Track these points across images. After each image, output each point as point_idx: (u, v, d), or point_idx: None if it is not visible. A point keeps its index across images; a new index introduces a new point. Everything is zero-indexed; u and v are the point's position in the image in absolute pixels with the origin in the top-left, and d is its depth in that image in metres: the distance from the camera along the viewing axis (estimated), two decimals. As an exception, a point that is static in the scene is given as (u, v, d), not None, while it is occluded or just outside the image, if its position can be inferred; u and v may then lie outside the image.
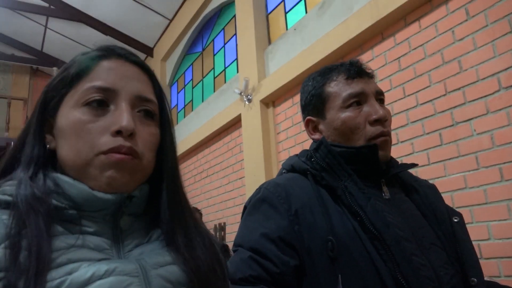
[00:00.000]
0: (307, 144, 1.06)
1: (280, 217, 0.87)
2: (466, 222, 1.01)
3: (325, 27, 3.49)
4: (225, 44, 5.50)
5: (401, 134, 2.70)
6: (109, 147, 0.55)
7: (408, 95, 2.69)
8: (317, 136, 1.02)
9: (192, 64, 6.49)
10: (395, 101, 2.76)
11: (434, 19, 2.58)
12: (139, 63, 0.63)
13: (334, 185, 0.89)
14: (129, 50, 0.63)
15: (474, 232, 2.14)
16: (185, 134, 5.88)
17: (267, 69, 4.31)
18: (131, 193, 0.58)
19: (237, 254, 0.88)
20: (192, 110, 6.19)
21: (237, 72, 4.93)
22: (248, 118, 4.34)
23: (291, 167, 1.00)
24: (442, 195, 1.05)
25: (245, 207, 0.97)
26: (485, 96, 2.24)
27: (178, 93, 6.95)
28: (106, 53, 0.61)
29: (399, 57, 2.78)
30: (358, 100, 0.96)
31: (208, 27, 6.07)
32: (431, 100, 2.53)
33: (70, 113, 0.57)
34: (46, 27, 7.52)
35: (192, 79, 6.44)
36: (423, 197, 0.99)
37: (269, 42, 4.49)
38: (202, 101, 5.89)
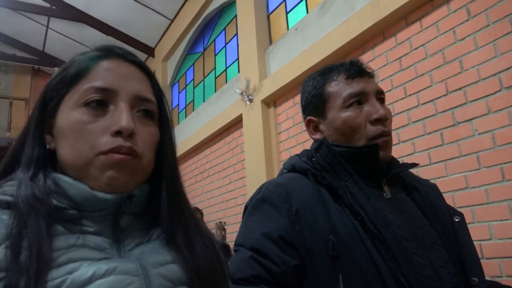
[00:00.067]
0: (308, 144, 1.06)
1: (281, 216, 0.87)
2: (467, 222, 1.00)
3: (326, 27, 3.49)
4: (226, 44, 5.50)
5: (402, 134, 2.70)
6: (109, 148, 0.55)
7: (409, 95, 2.68)
8: (318, 136, 1.02)
9: (193, 64, 6.49)
10: (396, 101, 2.76)
11: (435, 19, 2.57)
12: (137, 62, 0.63)
13: (335, 185, 0.89)
14: (127, 50, 0.63)
15: (475, 232, 2.14)
16: (187, 134, 5.89)
17: (268, 69, 4.31)
18: (131, 192, 0.58)
19: (238, 254, 0.88)
20: (193, 110, 6.19)
21: (238, 72, 4.93)
22: (249, 118, 4.34)
23: (292, 167, 1.00)
24: (443, 195, 1.05)
25: (246, 207, 0.97)
26: (486, 96, 2.24)
27: (179, 93, 6.95)
28: (105, 53, 0.61)
29: (400, 57, 2.78)
30: (358, 99, 0.96)
31: (209, 27, 6.08)
32: (432, 100, 2.53)
33: (69, 114, 0.57)
34: (47, 27, 7.53)
35: (193, 79, 6.45)
36: (424, 197, 0.98)
37: (270, 42, 4.49)
38: (203, 101, 5.89)
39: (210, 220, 4.94)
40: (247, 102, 4.32)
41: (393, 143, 1.02)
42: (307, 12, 3.97)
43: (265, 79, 4.18)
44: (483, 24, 2.29)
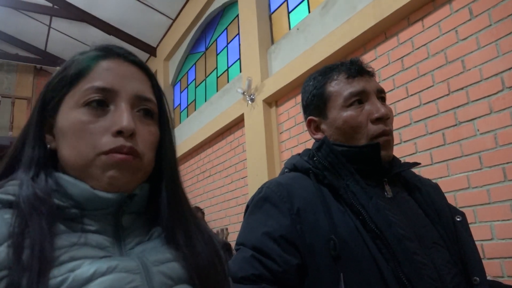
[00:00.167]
0: (310, 144, 1.06)
1: (282, 216, 0.87)
2: (469, 222, 1.00)
3: (328, 26, 3.48)
4: (228, 43, 5.50)
5: (404, 133, 2.69)
6: (110, 148, 0.55)
7: (411, 95, 2.68)
8: (319, 135, 1.02)
9: (195, 63, 6.50)
10: (398, 100, 2.76)
11: (437, 18, 2.57)
12: (137, 62, 0.63)
13: (336, 184, 0.89)
14: (127, 50, 0.63)
15: (477, 232, 2.14)
16: (188, 134, 5.90)
17: (270, 68, 4.31)
18: (132, 192, 0.58)
19: (239, 253, 0.88)
20: (195, 110, 6.19)
21: (240, 71, 4.93)
22: (251, 118, 4.34)
23: (293, 166, 1.00)
24: (445, 195, 1.05)
25: (247, 206, 0.97)
26: (489, 96, 2.23)
27: (181, 92, 6.96)
28: (105, 52, 0.61)
29: (402, 57, 2.78)
30: (359, 98, 0.96)
31: (211, 26, 6.08)
32: (434, 100, 2.53)
33: (70, 114, 0.57)
34: (49, 26, 7.55)
35: (195, 79, 6.46)
36: (426, 196, 0.98)
37: (272, 42, 4.49)
38: (205, 100, 5.90)
39: (212, 219, 4.94)
40: (249, 101, 4.32)
41: (394, 143, 1.02)
42: (309, 11, 3.97)
43: (267, 78, 4.19)
44: (485, 24, 2.29)
